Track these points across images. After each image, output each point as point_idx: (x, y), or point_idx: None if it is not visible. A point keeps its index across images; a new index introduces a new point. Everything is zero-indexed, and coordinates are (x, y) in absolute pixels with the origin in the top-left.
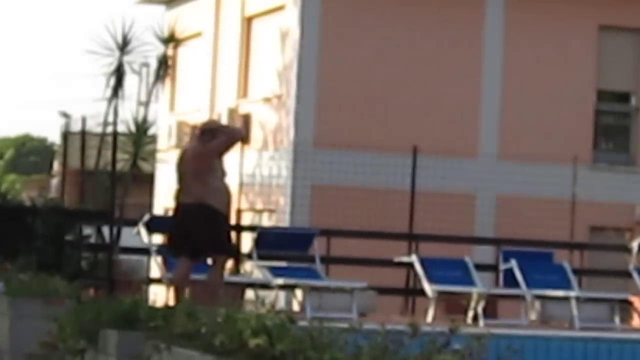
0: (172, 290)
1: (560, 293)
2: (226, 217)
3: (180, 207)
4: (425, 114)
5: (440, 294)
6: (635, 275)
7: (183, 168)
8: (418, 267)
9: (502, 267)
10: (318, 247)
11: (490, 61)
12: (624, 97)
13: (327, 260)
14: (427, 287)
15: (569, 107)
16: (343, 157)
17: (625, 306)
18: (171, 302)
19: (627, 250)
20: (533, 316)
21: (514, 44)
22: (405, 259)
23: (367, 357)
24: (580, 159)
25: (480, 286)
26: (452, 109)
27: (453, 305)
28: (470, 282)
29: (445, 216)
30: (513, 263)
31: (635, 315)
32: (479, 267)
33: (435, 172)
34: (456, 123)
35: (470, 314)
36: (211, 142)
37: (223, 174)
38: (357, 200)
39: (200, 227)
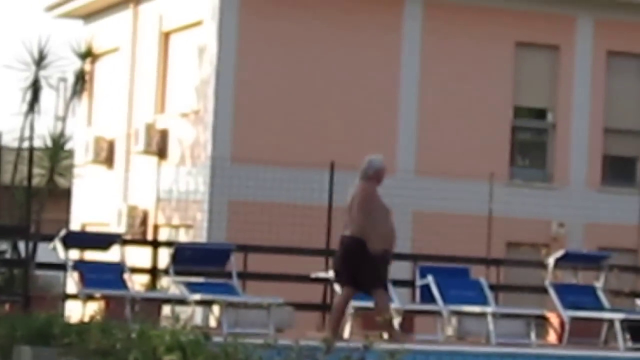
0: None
1: (476, 309)
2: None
3: None
4: (343, 129)
5: (357, 310)
6: (551, 290)
7: None
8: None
9: (419, 282)
10: (235, 262)
11: (408, 77)
12: (540, 114)
13: (244, 276)
14: None
15: (485, 123)
16: (260, 173)
17: (541, 322)
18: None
19: (543, 266)
20: (449, 332)
21: (431, 61)
22: (322, 274)
23: None
24: (497, 175)
25: (397, 302)
26: (370, 125)
27: (370, 321)
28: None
29: None
30: (430, 279)
31: (551, 331)
32: (396, 283)
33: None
34: (373, 139)
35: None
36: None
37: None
38: (275, 215)
39: None
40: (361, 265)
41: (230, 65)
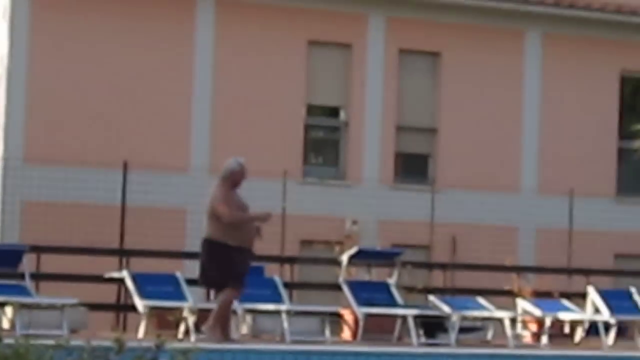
0: None
1: (271, 307)
2: None
3: None
4: (137, 129)
5: (152, 309)
6: (344, 287)
7: None
8: (129, 282)
9: None
10: (28, 263)
11: (201, 75)
12: (333, 112)
13: (37, 276)
14: (138, 303)
15: (278, 121)
16: (53, 173)
17: (336, 319)
18: None
19: (337, 263)
20: (244, 330)
21: (224, 58)
22: (116, 274)
23: None
24: (291, 173)
25: (191, 301)
26: (164, 124)
27: (165, 320)
28: (181, 297)
29: (157, 231)
30: None
31: (345, 328)
32: (191, 282)
33: (145, 188)
34: (167, 139)
35: (182, 328)
36: None
37: None
38: (69, 216)
39: None
40: (215, 264)
41: (21, 65)
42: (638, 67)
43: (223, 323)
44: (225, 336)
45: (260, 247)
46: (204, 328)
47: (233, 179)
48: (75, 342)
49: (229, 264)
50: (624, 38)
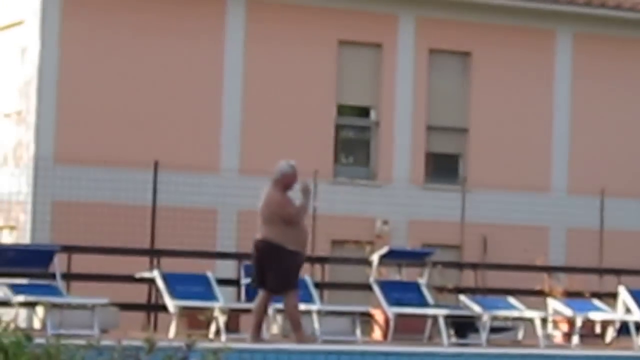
0: None
1: (302, 306)
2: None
3: None
4: (167, 130)
5: (183, 309)
6: (375, 287)
7: None
8: (160, 282)
9: (244, 281)
10: (59, 263)
11: (231, 77)
12: (364, 112)
13: (68, 276)
14: (169, 303)
15: (309, 121)
16: (84, 173)
17: (367, 319)
18: None
19: (368, 263)
20: (275, 330)
21: (254, 60)
22: (146, 274)
23: None
24: (321, 173)
25: (222, 301)
26: (194, 125)
27: (195, 320)
28: (212, 297)
29: (188, 231)
30: None
31: (376, 328)
32: (221, 282)
33: (176, 188)
34: (198, 139)
35: (213, 328)
36: None
37: None
38: (99, 216)
39: None
40: (274, 267)
41: (53, 66)
42: None
43: (258, 322)
44: (257, 337)
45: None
46: (295, 340)
47: (285, 182)
48: (106, 342)
49: (287, 266)
50: None
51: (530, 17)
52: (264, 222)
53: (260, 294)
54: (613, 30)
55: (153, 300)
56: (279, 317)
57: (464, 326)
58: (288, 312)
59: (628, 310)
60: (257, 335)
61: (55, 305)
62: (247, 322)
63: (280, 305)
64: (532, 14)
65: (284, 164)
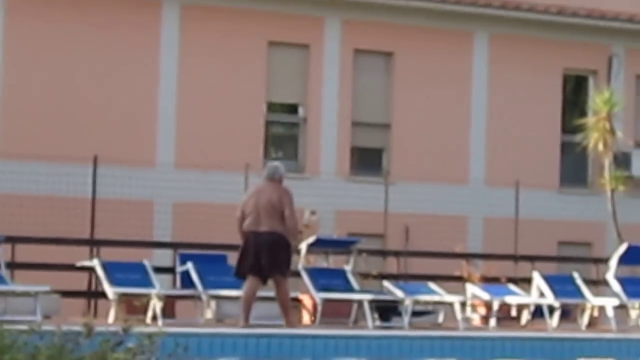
0: None
1: (234, 293)
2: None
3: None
4: (106, 125)
5: (121, 295)
6: (303, 274)
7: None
8: (99, 270)
9: (179, 269)
10: (3, 253)
11: (166, 75)
12: (292, 109)
13: (12, 265)
14: (108, 290)
15: (241, 118)
16: (27, 168)
17: (295, 304)
18: None
19: (297, 251)
20: (209, 315)
21: (188, 59)
22: (87, 263)
23: (44, 356)
24: (252, 166)
25: (158, 288)
26: (132, 122)
27: (133, 306)
28: (149, 284)
29: (125, 222)
30: (189, 265)
31: (304, 312)
32: (158, 270)
33: (114, 181)
34: (135, 135)
35: (150, 314)
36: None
37: None
38: (41, 208)
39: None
40: (278, 256)
41: None
42: (579, 66)
43: (249, 308)
44: (247, 321)
45: (223, 237)
46: (285, 325)
47: (282, 181)
48: (48, 327)
49: (288, 256)
50: (566, 38)
51: (450, 19)
52: (269, 216)
53: (252, 281)
54: (527, 32)
55: (93, 287)
56: (213, 303)
57: (387, 310)
58: (282, 297)
59: (541, 294)
60: (247, 320)
61: (0, 293)
62: (182, 307)
63: (212, 292)
64: (452, 16)
65: (280, 165)
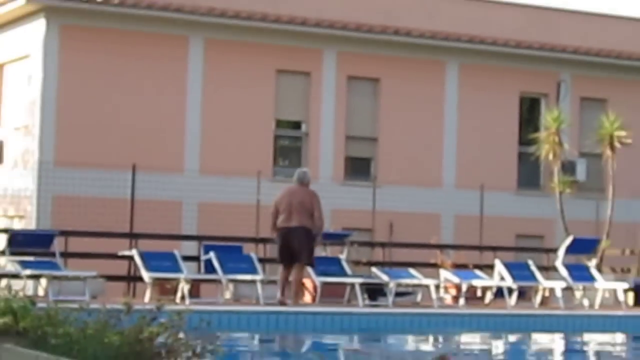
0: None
1: (248, 277)
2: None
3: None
4: (143, 139)
5: (155, 279)
6: None
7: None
8: (137, 258)
9: (203, 257)
10: (58, 245)
11: (193, 97)
12: (296, 125)
13: (65, 255)
14: (145, 274)
15: (254, 132)
16: (78, 174)
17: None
18: None
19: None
20: (227, 295)
21: (211, 85)
22: (127, 252)
23: (92, 329)
24: (263, 173)
25: (186, 273)
26: (164, 136)
27: (165, 288)
28: (178, 270)
29: (159, 219)
30: (212, 255)
31: (306, 293)
32: (185, 258)
33: (150, 185)
34: (166, 147)
35: (179, 295)
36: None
37: None
38: (90, 207)
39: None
40: (308, 246)
41: (53, 90)
42: (533, 89)
43: (284, 288)
44: (284, 300)
45: (240, 230)
46: (289, 302)
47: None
48: (94, 306)
49: (312, 247)
50: (522, 67)
51: (426, 52)
52: (299, 213)
53: (286, 268)
54: (493, 62)
55: (132, 272)
56: (231, 285)
57: (375, 291)
58: (297, 280)
59: (502, 278)
60: (283, 295)
61: (55, 277)
62: (205, 289)
63: (230, 277)
64: (427, 49)
65: (308, 171)
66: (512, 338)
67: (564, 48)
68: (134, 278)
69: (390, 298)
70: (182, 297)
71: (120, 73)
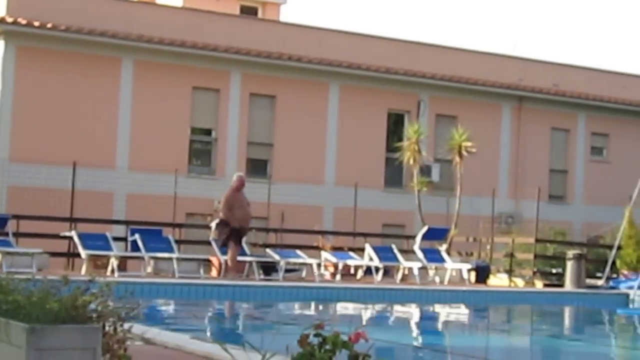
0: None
1: (166, 255)
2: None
3: None
4: (84, 140)
5: (90, 256)
6: (213, 243)
7: None
8: (76, 239)
9: (130, 238)
10: (11, 226)
11: (123, 107)
12: (207, 132)
13: (17, 234)
14: (82, 252)
15: (173, 137)
16: (29, 168)
17: (208, 263)
18: None
19: (208, 227)
20: (149, 270)
21: (139, 96)
22: (68, 233)
23: (36, 297)
24: (180, 170)
25: (115, 251)
26: (100, 138)
27: (98, 263)
28: (109, 248)
29: (94, 207)
30: (137, 236)
31: (213, 269)
32: (115, 239)
33: (87, 178)
34: (101, 146)
35: (109, 269)
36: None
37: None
38: (38, 196)
39: None
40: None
41: (9, 99)
42: (398, 107)
43: (236, 268)
44: (236, 273)
45: (160, 216)
46: (228, 276)
47: (237, 185)
48: (39, 277)
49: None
50: (390, 88)
51: (312, 75)
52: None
53: (235, 247)
54: (365, 84)
55: (71, 250)
56: (152, 262)
57: (269, 268)
58: (231, 259)
59: (371, 259)
60: (236, 272)
61: (8, 253)
62: (131, 264)
63: (151, 254)
64: (312, 73)
65: (237, 175)
66: (378, 307)
67: (424, 74)
68: (73, 254)
69: (281, 274)
70: (112, 271)
71: (65, 86)
